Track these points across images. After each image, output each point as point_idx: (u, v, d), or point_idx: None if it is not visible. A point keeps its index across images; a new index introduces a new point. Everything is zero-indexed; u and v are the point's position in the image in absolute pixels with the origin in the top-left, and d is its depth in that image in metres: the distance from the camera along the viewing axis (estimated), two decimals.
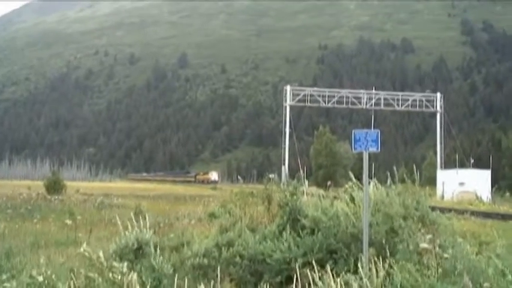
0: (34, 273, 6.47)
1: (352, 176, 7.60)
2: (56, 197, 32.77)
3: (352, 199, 7.69)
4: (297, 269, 6.15)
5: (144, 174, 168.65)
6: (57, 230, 15.58)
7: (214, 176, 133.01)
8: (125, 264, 6.18)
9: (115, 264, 6.10)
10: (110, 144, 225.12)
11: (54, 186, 41.06)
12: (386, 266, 5.88)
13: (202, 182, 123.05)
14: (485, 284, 5.47)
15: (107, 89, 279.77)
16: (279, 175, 46.77)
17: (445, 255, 6.23)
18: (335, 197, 8.50)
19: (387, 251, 6.37)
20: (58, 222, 17.08)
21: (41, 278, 6.26)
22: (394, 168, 8.07)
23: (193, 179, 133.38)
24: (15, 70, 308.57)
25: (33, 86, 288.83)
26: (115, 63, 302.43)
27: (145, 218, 7.77)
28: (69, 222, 16.38)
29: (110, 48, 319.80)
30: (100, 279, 6.20)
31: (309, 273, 6.07)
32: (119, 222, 7.75)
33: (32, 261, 8.77)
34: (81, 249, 6.67)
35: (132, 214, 8.64)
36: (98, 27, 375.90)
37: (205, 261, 7.37)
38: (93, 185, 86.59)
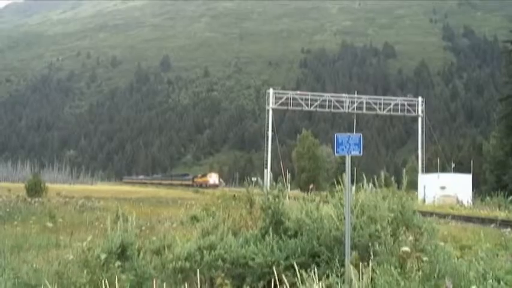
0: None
1: (346, 180, 7.59)
2: (37, 200, 32.40)
3: (340, 201, 7.71)
4: (280, 272, 6.15)
5: (141, 176, 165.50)
6: (37, 232, 15.41)
7: (213, 178, 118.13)
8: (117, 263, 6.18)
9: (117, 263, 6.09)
10: (92, 147, 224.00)
11: (35, 189, 40.63)
12: (369, 269, 5.89)
13: (201, 185, 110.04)
14: (473, 287, 5.51)
15: (89, 91, 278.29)
16: (262, 178, 46.75)
17: (425, 258, 6.25)
18: (324, 201, 8.49)
19: (370, 254, 6.38)
20: (38, 225, 16.90)
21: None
22: (382, 172, 8.11)
23: (191, 183, 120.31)
24: None
25: (14, 88, 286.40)
26: (97, 66, 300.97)
27: (127, 221, 7.74)
28: (49, 225, 16.23)
29: (92, 50, 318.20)
30: (88, 278, 6.19)
31: (291, 277, 6.07)
32: (108, 223, 7.72)
33: (12, 263, 8.66)
34: (84, 244, 6.71)
35: (115, 216, 8.59)
36: (80, 29, 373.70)
37: (187, 264, 7.33)
38: (74, 187, 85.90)
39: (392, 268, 5.90)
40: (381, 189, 7.88)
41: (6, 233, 14.78)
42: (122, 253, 7.20)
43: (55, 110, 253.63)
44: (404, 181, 7.99)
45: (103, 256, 6.74)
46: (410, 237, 6.77)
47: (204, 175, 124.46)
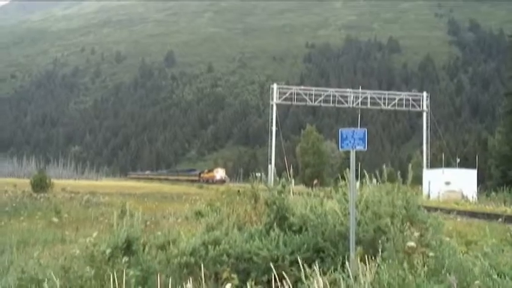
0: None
1: (350, 175, 7.58)
2: (42, 195, 32.54)
3: (345, 197, 7.70)
4: (285, 268, 6.16)
5: (147, 172, 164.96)
6: (43, 228, 15.48)
7: (220, 173, 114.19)
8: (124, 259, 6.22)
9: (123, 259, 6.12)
10: (97, 143, 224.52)
11: (40, 184, 40.83)
12: (374, 265, 5.89)
13: (207, 181, 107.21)
14: (476, 282, 5.51)
15: (93, 87, 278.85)
16: (266, 174, 46.74)
17: (431, 254, 6.25)
18: (328, 196, 8.48)
19: (376, 249, 6.38)
20: (44, 220, 16.98)
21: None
22: (384, 167, 8.08)
23: (197, 178, 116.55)
24: (1, 68, 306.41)
25: (19, 84, 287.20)
26: (102, 61, 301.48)
27: (133, 216, 7.77)
28: (55, 220, 16.30)
29: (97, 46, 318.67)
30: (92, 272, 6.22)
31: (296, 272, 6.08)
32: (114, 218, 7.76)
33: (19, 258, 8.73)
34: (88, 240, 6.75)
35: (120, 211, 8.62)
36: (84, 25, 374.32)
37: (192, 259, 7.34)
38: (79, 183, 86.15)
39: (398, 263, 5.91)
40: (384, 184, 7.86)
41: (12, 228, 14.86)
42: (128, 248, 7.23)
43: (60, 105, 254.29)
44: (410, 176, 7.96)
45: (108, 251, 6.77)
46: (415, 233, 6.77)
47: (211, 170, 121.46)
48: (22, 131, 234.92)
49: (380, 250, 6.38)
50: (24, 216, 18.05)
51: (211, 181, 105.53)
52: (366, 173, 8.07)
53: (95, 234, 6.89)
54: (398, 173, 7.86)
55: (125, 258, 6.72)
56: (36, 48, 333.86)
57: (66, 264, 6.84)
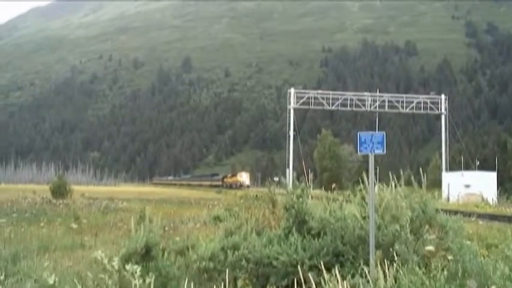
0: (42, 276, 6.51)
1: (369, 178, 7.54)
2: (61, 201, 32.74)
3: (363, 200, 7.66)
4: (304, 272, 6.14)
5: (170, 177, 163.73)
6: (63, 234, 15.57)
7: (244, 178, 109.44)
8: (138, 267, 6.21)
9: (127, 267, 6.12)
10: (115, 148, 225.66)
11: (60, 190, 40.97)
12: (393, 269, 5.85)
13: (231, 186, 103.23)
14: (493, 287, 5.44)
15: (111, 93, 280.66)
16: (284, 178, 46.57)
17: (450, 257, 6.19)
18: (347, 200, 8.45)
19: (394, 253, 6.34)
20: (64, 226, 17.09)
21: (51, 280, 6.29)
22: (401, 171, 8.03)
23: (220, 183, 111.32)
24: (21, 75, 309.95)
25: (38, 91, 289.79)
26: (119, 68, 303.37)
27: (151, 221, 7.80)
28: (74, 226, 16.40)
29: (114, 52, 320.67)
30: (110, 282, 6.23)
31: (315, 276, 6.05)
32: (132, 225, 7.79)
33: (38, 265, 8.78)
34: (95, 254, 6.74)
35: (139, 217, 8.65)
36: (102, 32, 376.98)
37: (211, 264, 7.35)
38: (98, 189, 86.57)
39: (416, 267, 5.86)
40: (401, 188, 7.81)
41: (32, 234, 14.97)
42: (147, 253, 7.25)
43: (78, 112, 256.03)
44: (424, 179, 7.90)
45: (116, 263, 6.71)
46: (434, 236, 6.72)
47: (234, 175, 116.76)
48: (41, 137, 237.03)
49: (399, 254, 6.34)
50: (44, 222, 18.18)
51: (234, 186, 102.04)
52: (391, 176, 7.99)
53: (100, 251, 6.86)
54: (412, 177, 7.82)
55: (132, 266, 6.70)
56: (54, 56, 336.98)
57: (85, 270, 6.88)
